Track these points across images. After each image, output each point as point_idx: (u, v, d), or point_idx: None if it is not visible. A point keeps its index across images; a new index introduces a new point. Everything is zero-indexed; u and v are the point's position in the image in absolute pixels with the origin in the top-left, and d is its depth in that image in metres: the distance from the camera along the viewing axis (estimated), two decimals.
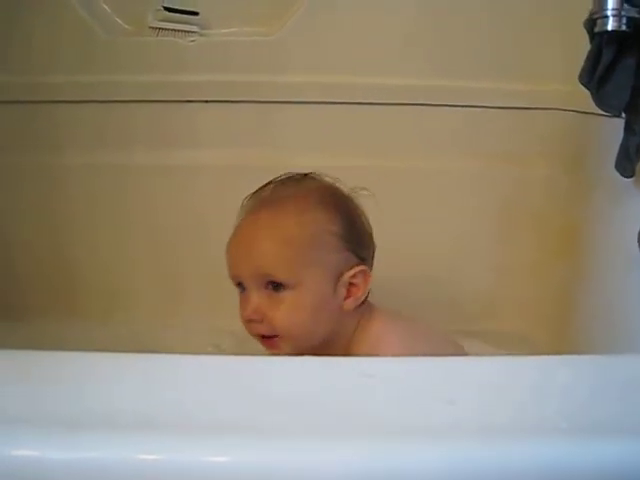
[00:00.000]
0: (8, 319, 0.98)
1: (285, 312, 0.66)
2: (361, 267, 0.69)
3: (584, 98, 0.77)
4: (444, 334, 0.80)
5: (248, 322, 0.68)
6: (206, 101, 0.97)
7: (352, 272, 0.68)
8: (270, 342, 0.68)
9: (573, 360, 0.46)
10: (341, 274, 0.68)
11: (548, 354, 0.90)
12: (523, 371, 0.43)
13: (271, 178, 0.72)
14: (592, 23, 0.64)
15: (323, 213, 0.69)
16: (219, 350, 0.92)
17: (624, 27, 0.61)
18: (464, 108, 0.96)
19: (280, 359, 0.56)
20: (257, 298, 0.67)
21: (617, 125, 0.73)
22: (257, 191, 0.72)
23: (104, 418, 0.38)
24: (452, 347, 0.78)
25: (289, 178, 0.72)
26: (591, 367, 0.44)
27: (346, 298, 0.69)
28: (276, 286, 0.67)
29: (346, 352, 0.70)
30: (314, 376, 0.43)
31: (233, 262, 0.69)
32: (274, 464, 0.36)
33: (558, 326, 0.94)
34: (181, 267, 1.03)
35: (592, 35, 0.66)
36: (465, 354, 0.78)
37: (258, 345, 0.79)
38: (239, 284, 0.69)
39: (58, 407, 0.39)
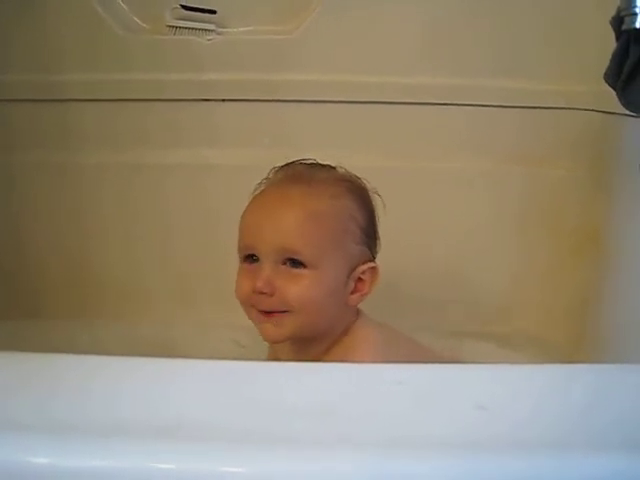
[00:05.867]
0: (20, 318, 0.98)
1: (302, 287, 0.64)
2: (373, 264, 0.69)
3: (606, 97, 0.76)
4: (429, 349, 0.79)
5: (255, 294, 0.65)
6: (223, 100, 0.97)
7: (365, 267, 0.68)
8: (273, 318, 0.65)
9: (610, 368, 0.45)
10: (355, 267, 0.68)
11: (568, 357, 0.89)
12: (556, 379, 0.42)
13: None
14: (619, 21, 0.63)
15: (352, 202, 0.68)
16: (239, 346, 0.91)
17: None
18: (480, 107, 0.95)
19: (305, 365, 0.54)
20: (271, 271, 0.64)
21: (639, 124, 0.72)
22: (285, 166, 0.71)
23: (113, 425, 0.38)
24: (435, 360, 0.77)
25: (317, 164, 0.71)
26: (629, 377, 0.43)
27: (352, 292, 0.68)
28: (295, 264, 0.65)
29: (327, 351, 0.69)
30: (340, 383, 0.42)
31: (252, 232, 0.66)
32: (297, 475, 0.35)
33: (574, 329, 0.93)
34: (195, 266, 1.03)
35: (619, 33, 0.65)
36: None
37: None
38: (250, 256, 0.67)
39: (65, 413, 0.39)
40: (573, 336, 0.92)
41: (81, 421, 0.38)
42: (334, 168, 0.71)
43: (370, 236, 0.69)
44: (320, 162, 0.72)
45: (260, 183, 0.71)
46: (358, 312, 0.71)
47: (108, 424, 0.38)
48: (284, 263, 0.65)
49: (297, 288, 0.64)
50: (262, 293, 0.64)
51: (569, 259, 0.94)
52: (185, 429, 0.37)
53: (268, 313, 0.65)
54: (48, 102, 0.98)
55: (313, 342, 0.69)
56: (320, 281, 0.65)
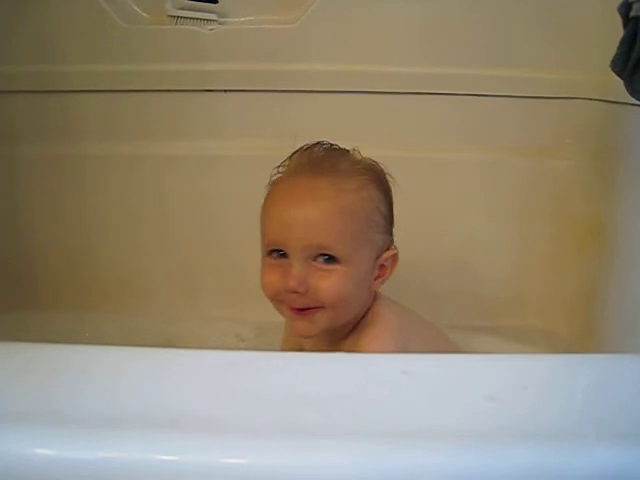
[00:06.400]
0: (21, 310, 0.98)
1: (334, 283, 0.64)
2: (395, 250, 0.70)
3: (606, 86, 0.75)
4: (447, 336, 0.80)
5: (287, 293, 0.64)
6: (225, 90, 0.96)
7: (388, 254, 0.69)
8: (306, 316, 0.65)
9: (618, 358, 0.44)
10: (379, 255, 0.68)
11: (573, 350, 0.88)
12: (564, 369, 0.42)
13: None
14: (627, 7, 0.62)
15: (376, 192, 0.68)
16: (240, 339, 0.91)
17: None
18: (482, 97, 0.94)
19: (309, 355, 0.55)
20: (303, 269, 0.64)
21: None
22: (304, 152, 0.69)
23: (113, 416, 0.37)
24: (450, 346, 0.79)
25: (335, 149, 0.70)
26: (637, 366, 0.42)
27: (375, 278, 0.69)
28: (328, 259, 0.64)
29: (348, 335, 0.69)
30: (347, 374, 0.41)
31: (282, 229, 0.65)
32: (301, 467, 0.35)
33: (580, 321, 0.93)
34: (197, 258, 1.02)
35: (626, 20, 0.64)
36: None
37: (280, 335, 0.77)
38: (277, 251, 0.66)
39: (64, 404, 0.38)
40: (578, 328, 0.92)
41: (80, 412, 0.38)
42: (348, 152, 0.70)
43: (390, 222, 0.70)
44: (334, 145, 0.70)
45: (278, 171, 0.70)
46: (375, 293, 0.71)
47: (108, 415, 0.37)
48: (315, 259, 0.64)
49: (329, 284, 0.64)
50: (295, 292, 0.64)
51: (574, 250, 0.94)
52: (186, 420, 0.37)
53: (301, 310, 0.65)
54: (49, 93, 0.97)
55: (339, 329, 0.69)
56: (351, 275, 0.65)
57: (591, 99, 0.91)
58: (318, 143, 0.70)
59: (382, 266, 0.69)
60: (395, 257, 0.70)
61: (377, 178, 0.69)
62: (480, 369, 0.41)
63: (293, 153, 0.70)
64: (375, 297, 0.71)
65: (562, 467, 0.34)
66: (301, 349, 0.73)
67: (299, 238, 0.63)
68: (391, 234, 0.70)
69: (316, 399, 0.38)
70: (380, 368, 0.42)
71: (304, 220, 0.64)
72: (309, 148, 0.70)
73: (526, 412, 0.37)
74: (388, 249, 0.69)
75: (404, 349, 0.67)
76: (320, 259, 0.64)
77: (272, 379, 0.41)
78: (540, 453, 0.34)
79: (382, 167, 0.71)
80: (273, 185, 0.69)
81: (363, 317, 0.69)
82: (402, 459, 0.35)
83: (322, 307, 0.65)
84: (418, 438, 0.36)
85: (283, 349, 0.77)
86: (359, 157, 0.70)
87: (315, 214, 0.64)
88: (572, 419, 0.37)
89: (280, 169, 0.70)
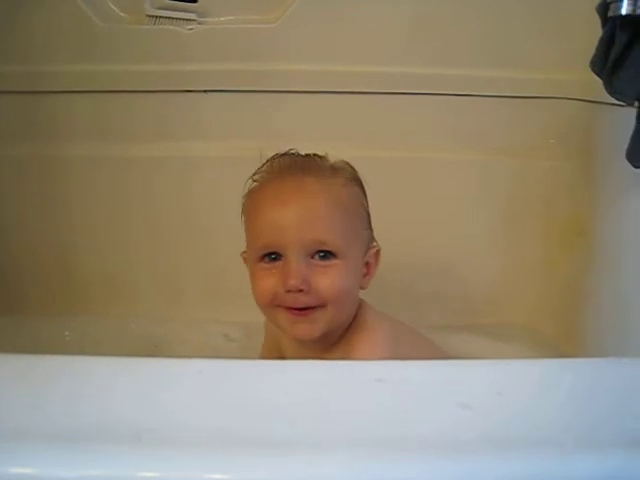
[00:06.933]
0: (8, 313, 0.97)
1: (335, 278, 0.63)
2: (378, 247, 0.70)
3: (592, 87, 0.76)
4: (432, 341, 0.80)
5: (288, 294, 0.63)
6: (205, 91, 0.95)
7: (373, 250, 0.69)
8: (307, 315, 0.64)
9: (597, 363, 0.44)
10: (366, 251, 0.68)
11: (558, 348, 0.89)
12: (542, 375, 0.42)
13: None
14: (605, 7, 0.62)
15: (359, 188, 0.69)
16: (228, 340, 0.92)
17: (639, 11, 0.59)
18: (467, 97, 0.94)
19: (285, 363, 0.54)
20: (302, 267, 0.62)
21: (626, 114, 0.72)
22: (279, 158, 0.69)
23: (102, 432, 0.37)
24: (435, 349, 0.79)
25: (307, 154, 0.70)
26: (614, 371, 0.42)
27: (364, 276, 0.69)
28: (324, 255, 0.63)
29: (337, 342, 0.68)
30: (321, 381, 0.41)
31: (278, 230, 0.63)
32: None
33: (565, 319, 0.93)
34: (183, 259, 1.02)
35: (605, 20, 0.64)
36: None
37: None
38: (271, 254, 0.64)
39: (54, 420, 0.38)
40: (563, 327, 0.93)
41: (69, 429, 0.37)
42: (321, 157, 0.70)
43: (370, 220, 0.70)
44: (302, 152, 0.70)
45: (255, 179, 0.69)
46: (360, 300, 0.71)
47: (91, 431, 0.37)
48: (313, 256, 0.63)
49: (330, 280, 0.63)
50: (299, 291, 0.62)
51: (559, 250, 0.94)
52: (172, 434, 0.37)
53: (302, 311, 0.64)
54: (35, 94, 0.96)
55: (329, 335, 0.67)
56: (349, 269, 0.65)
57: (575, 99, 0.91)
58: (288, 152, 0.70)
59: (367, 263, 0.69)
60: (378, 253, 0.70)
61: (355, 176, 0.69)
62: (456, 376, 0.41)
63: (264, 163, 0.69)
64: (360, 303, 0.70)
65: (539, 476, 0.34)
66: (282, 357, 0.72)
67: (296, 237, 0.63)
68: (372, 230, 0.70)
69: (290, 408, 0.38)
70: (355, 376, 0.42)
71: (300, 218, 0.63)
72: (283, 155, 0.69)
73: (502, 420, 0.37)
74: (370, 246, 0.69)
75: (396, 355, 0.66)
76: (317, 256, 0.63)
77: (245, 388, 0.41)
78: (516, 461, 0.35)
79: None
80: (256, 190, 0.68)
81: (351, 323, 0.68)
82: (377, 469, 0.35)
83: (322, 306, 0.63)
84: (394, 447, 0.35)
85: (263, 357, 0.77)
86: (333, 160, 0.70)
87: (310, 210, 0.64)
88: (549, 427, 0.37)
89: (256, 177, 0.69)
